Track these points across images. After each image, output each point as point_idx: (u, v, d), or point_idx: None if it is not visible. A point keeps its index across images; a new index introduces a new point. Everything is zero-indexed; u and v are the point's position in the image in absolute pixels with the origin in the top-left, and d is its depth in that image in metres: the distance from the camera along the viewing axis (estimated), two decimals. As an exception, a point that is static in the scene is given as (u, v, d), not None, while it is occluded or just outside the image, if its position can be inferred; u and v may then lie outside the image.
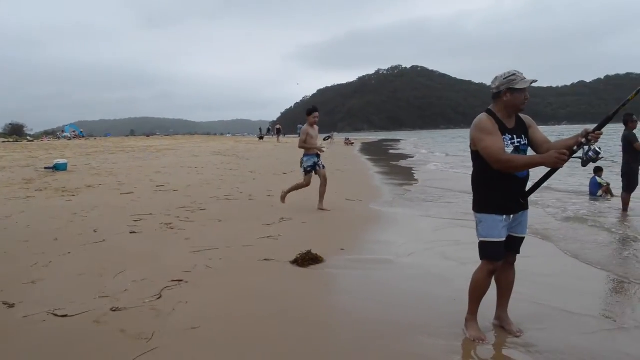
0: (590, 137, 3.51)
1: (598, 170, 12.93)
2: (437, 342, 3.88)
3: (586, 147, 3.52)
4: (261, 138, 57.62)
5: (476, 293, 3.95)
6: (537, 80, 3.77)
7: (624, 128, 10.10)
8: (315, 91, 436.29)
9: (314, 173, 9.88)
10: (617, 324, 4.37)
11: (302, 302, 4.70)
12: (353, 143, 54.91)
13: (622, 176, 10.38)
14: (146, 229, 7.70)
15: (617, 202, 10.98)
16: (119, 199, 10.73)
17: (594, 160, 3.53)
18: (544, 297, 4.97)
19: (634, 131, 10.03)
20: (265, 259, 6.04)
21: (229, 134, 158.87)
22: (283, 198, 10.10)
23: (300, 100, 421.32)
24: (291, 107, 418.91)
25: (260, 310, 4.45)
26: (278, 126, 60.78)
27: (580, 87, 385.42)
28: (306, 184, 9.91)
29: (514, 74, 3.71)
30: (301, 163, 9.96)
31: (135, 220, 8.30)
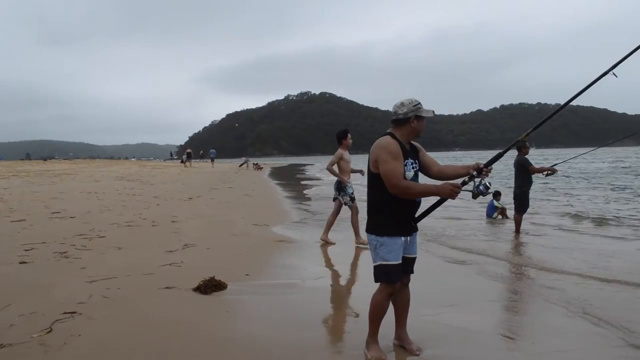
0: (483, 172, 3.75)
1: (496, 195, 13.65)
2: (338, 364, 3.92)
3: (477, 181, 3.73)
4: (183, 162, 55.98)
5: (376, 315, 4.01)
6: (434, 111, 3.97)
7: (516, 153, 10.82)
8: (224, 115, 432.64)
9: (336, 202, 9.31)
10: (513, 341, 4.62)
11: (201, 330, 4.59)
12: (262, 168, 54.85)
13: (515, 198, 11.04)
14: (38, 259, 7.23)
15: (511, 223, 11.64)
16: (9, 226, 10.03)
17: (484, 194, 3.74)
18: (443, 316, 5.16)
19: (526, 156, 10.73)
20: (167, 287, 5.84)
21: (133, 157, 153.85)
22: (326, 241, 9.30)
23: (209, 124, 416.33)
24: (199, 131, 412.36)
25: (158, 340, 4.30)
26: (188, 150, 59.56)
27: (478, 115, 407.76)
28: (336, 212, 9.38)
29: (419, 103, 3.88)
30: (340, 191, 9.20)
31: (26, 250, 7.78)
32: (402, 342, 4.24)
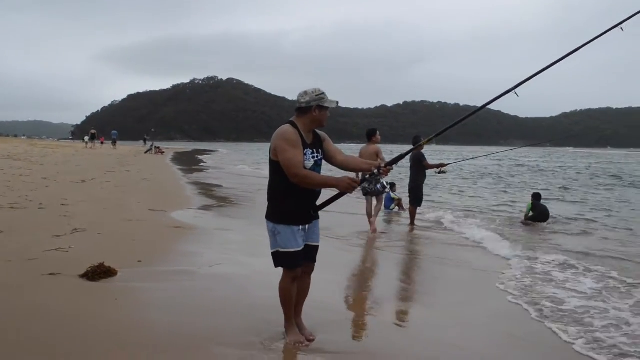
0: (381, 171, 3.90)
1: (392, 186, 14.08)
2: (229, 351, 3.88)
3: (376, 179, 3.94)
4: (86, 143, 52.76)
5: (284, 300, 4.06)
6: (339, 102, 4.04)
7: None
8: (125, 96, 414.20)
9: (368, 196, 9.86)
10: (393, 322, 4.80)
11: (86, 319, 4.37)
12: (164, 152, 53.06)
13: (410, 191, 11.46)
14: None
15: (407, 215, 12.09)
16: None
17: (379, 193, 4.03)
18: (332, 304, 5.27)
19: (422, 151, 11.12)
20: (51, 274, 5.51)
21: (23, 136, 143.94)
22: (374, 231, 9.84)
23: (109, 105, 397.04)
24: (98, 111, 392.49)
25: (40, 330, 4.05)
26: (93, 131, 56.26)
27: (382, 110, 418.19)
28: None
29: (323, 93, 3.92)
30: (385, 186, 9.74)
31: None
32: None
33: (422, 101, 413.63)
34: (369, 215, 10.08)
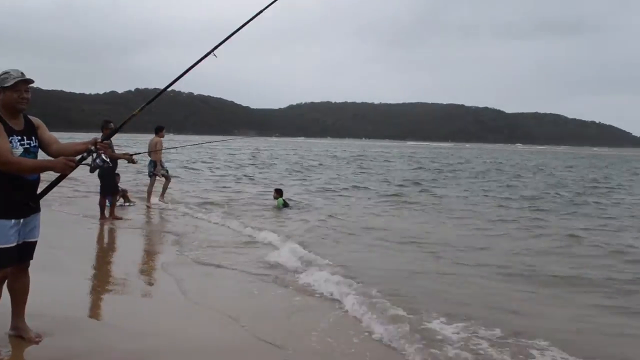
0: (98, 147, 3.77)
1: (115, 176, 12.29)
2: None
3: (95, 155, 3.76)
4: None
5: None
6: (29, 79, 3.71)
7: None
8: None
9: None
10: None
11: None
12: None
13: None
14: None
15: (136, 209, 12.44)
16: None
17: (101, 168, 3.85)
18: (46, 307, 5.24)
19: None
20: None
21: None
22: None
23: None
24: None
25: None
26: None
27: (112, 97, 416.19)
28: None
29: (6, 72, 3.65)
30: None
31: None
32: (19, 332, 4.07)
33: (155, 88, 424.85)
34: (148, 194, 12.92)
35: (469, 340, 4.70)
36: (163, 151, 13.41)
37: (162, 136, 13.20)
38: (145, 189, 13.67)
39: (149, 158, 13.18)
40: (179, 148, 23.82)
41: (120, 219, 10.93)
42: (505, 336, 4.84)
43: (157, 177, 13.30)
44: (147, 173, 13.33)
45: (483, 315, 5.42)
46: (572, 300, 6.31)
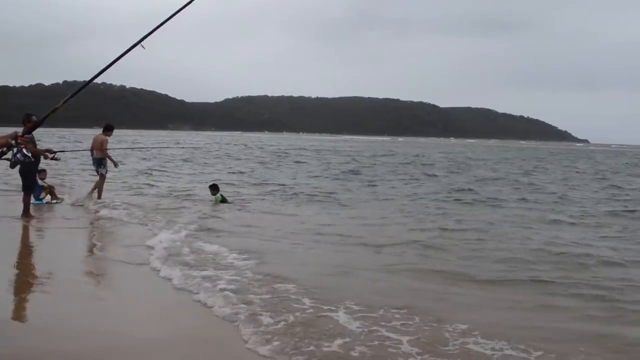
0: (19, 141, 3.63)
1: (41, 172, 12.23)
2: None
3: (15, 149, 3.69)
4: None
5: None
6: None
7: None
8: None
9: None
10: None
11: None
12: None
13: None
14: None
15: (65, 205, 11.99)
16: None
17: (22, 163, 3.87)
18: None
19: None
20: None
21: None
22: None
23: None
24: None
25: None
26: None
27: (39, 89, 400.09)
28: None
29: None
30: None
31: None
32: None
33: (84, 81, 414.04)
34: (99, 192, 12.95)
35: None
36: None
37: (110, 135, 13.43)
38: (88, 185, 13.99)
39: (91, 156, 13.44)
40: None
41: (33, 217, 10.47)
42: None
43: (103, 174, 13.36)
44: (95, 171, 13.45)
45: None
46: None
